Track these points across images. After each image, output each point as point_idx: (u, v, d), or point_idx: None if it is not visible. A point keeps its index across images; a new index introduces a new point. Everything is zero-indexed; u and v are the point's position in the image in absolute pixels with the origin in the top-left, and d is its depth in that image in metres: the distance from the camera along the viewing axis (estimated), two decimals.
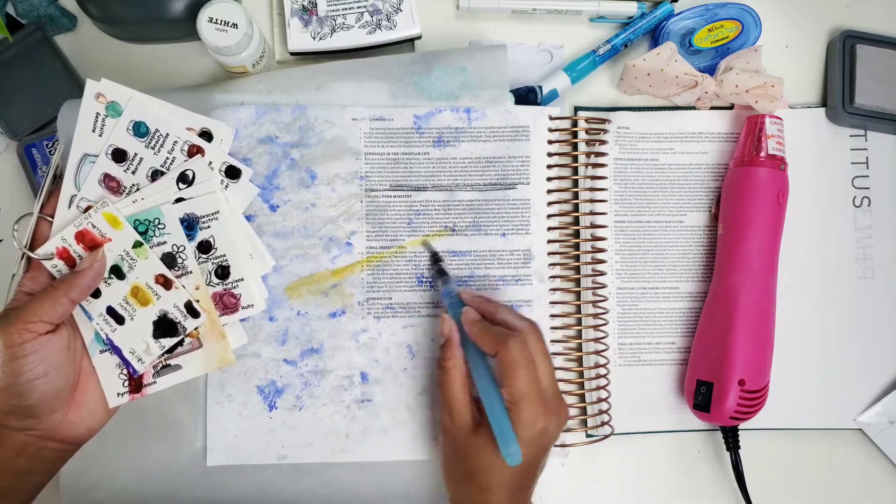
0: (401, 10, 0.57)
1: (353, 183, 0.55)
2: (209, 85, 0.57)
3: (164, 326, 0.48)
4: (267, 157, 0.54)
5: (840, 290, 0.61)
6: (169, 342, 0.48)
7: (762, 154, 0.57)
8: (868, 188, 0.61)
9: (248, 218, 0.54)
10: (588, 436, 0.57)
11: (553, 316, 0.56)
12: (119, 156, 0.49)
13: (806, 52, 0.63)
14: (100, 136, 0.49)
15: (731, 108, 0.61)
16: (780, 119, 0.58)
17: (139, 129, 0.49)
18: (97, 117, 0.49)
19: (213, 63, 0.60)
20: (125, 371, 0.48)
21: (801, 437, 0.60)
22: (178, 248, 0.49)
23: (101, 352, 0.48)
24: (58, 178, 0.49)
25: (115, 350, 0.48)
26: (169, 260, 0.49)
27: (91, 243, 0.47)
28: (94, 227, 0.47)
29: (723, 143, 0.61)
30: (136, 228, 0.48)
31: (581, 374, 0.57)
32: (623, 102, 0.62)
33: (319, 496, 0.54)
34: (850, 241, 0.61)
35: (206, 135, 0.50)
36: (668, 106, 0.61)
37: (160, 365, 0.49)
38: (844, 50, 0.61)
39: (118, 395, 0.48)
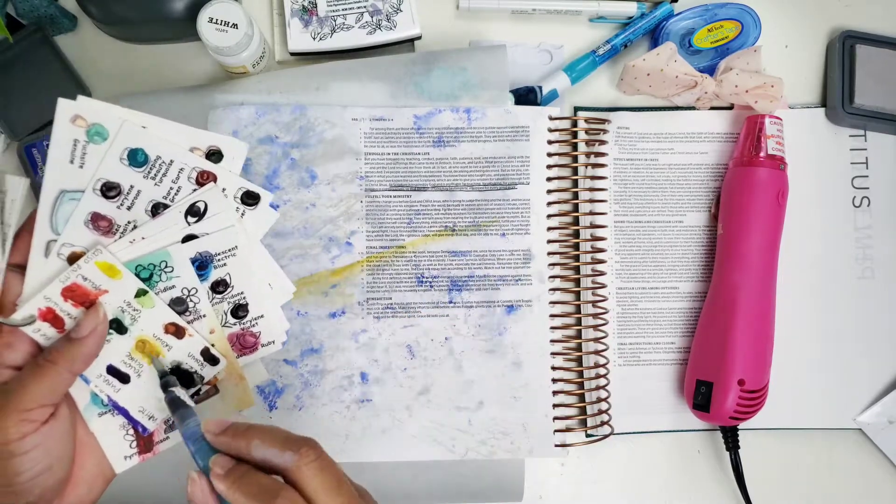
0: (401, 11, 0.57)
1: (353, 183, 0.55)
2: (209, 85, 0.57)
3: (180, 377, 0.42)
4: (267, 157, 0.54)
5: (840, 290, 0.61)
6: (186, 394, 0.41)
7: (762, 154, 0.57)
8: (868, 188, 0.61)
9: None
10: (588, 436, 0.57)
11: (553, 316, 0.56)
12: (110, 191, 0.41)
13: (805, 53, 0.63)
14: (80, 167, 0.40)
15: (730, 108, 0.61)
16: (780, 119, 0.58)
17: (136, 158, 0.41)
18: (75, 145, 0.40)
19: (213, 63, 0.60)
20: (131, 431, 0.42)
21: (801, 437, 0.60)
22: (188, 292, 0.42)
23: (101, 414, 0.41)
24: (3, 228, 0.41)
25: (121, 411, 0.41)
26: (179, 305, 0.42)
27: (83, 299, 0.39)
28: (86, 279, 0.39)
29: (722, 143, 0.61)
30: (138, 275, 0.41)
31: (581, 374, 0.57)
32: (623, 102, 0.62)
33: None
34: (850, 241, 0.61)
35: (216, 154, 0.43)
36: (668, 106, 0.61)
37: (171, 419, 0.42)
38: (844, 50, 0.61)
39: (125, 458, 0.42)
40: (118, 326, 0.40)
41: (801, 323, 0.60)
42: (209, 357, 0.42)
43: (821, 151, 0.62)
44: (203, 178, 0.43)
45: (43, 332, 0.39)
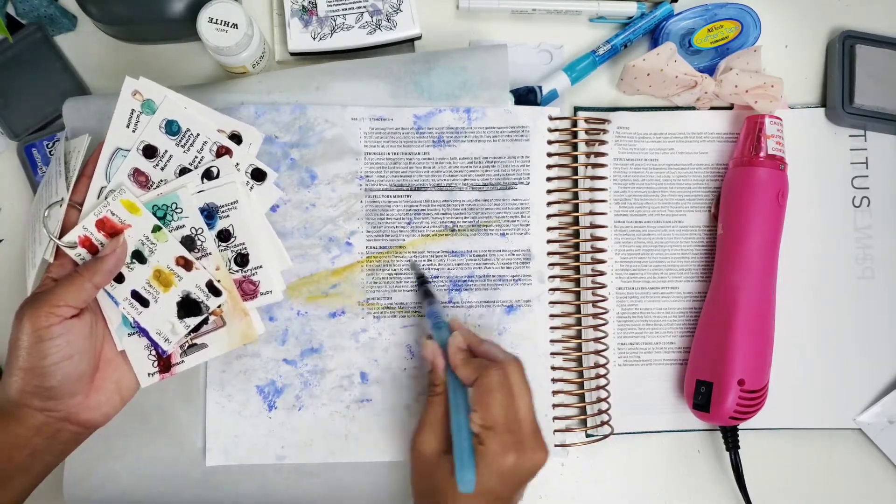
0: (401, 11, 0.57)
1: (353, 183, 0.55)
2: (209, 85, 0.57)
3: (188, 306, 0.49)
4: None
5: (840, 290, 0.61)
6: (193, 321, 0.49)
7: (762, 154, 0.57)
8: (868, 188, 0.61)
9: None
10: (588, 436, 0.57)
11: (553, 316, 0.56)
12: (150, 152, 0.50)
13: (805, 53, 0.63)
14: (133, 131, 0.50)
15: (730, 108, 0.61)
16: (780, 119, 0.58)
17: (171, 128, 0.50)
18: (132, 113, 0.50)
19: (213, 63, 0.60)
20: (154, 352, 0.49)
21: (801, 436, 0.60)
22: (196, 231, 0.49)
23: (130, 335, 0.49)
24: (69, 173, 0.50)
25: (143, 332, 0.49)
26: (188, 243, 0.49)
27: (111, 230, 0.48)
28: (114, 214, 0.48)
29: (722, 143, 0.61)
30: (154, 213, 0.49)
31: (581, 374, 0.57)
32: (623, 102, 0.62)
33: (319, 496, 0.54)
34: (850, 241, 0.61)
35: (236, 137, 0.51)
36: (668, 106, 0.61)
37: (187, 344, 0.50)
38: (844, 50, 0.61)
39: (149, 375, 0.49)
40: (139, 257, 0.49)
41: (801, 323, 0.60)
42: (213, 289, 0.49)
43: (821, 151, 0.62)
44: (221, 151, 0.51)
45: (81, 256, 0.48)
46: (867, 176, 0.62)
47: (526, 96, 0.58)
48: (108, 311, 0.49)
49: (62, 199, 0.48)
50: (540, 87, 0.58)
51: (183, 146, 0.50)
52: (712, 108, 0.61)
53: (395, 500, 0.55)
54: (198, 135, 0.50)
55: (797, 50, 0.63)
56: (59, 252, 0.48)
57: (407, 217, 0.56)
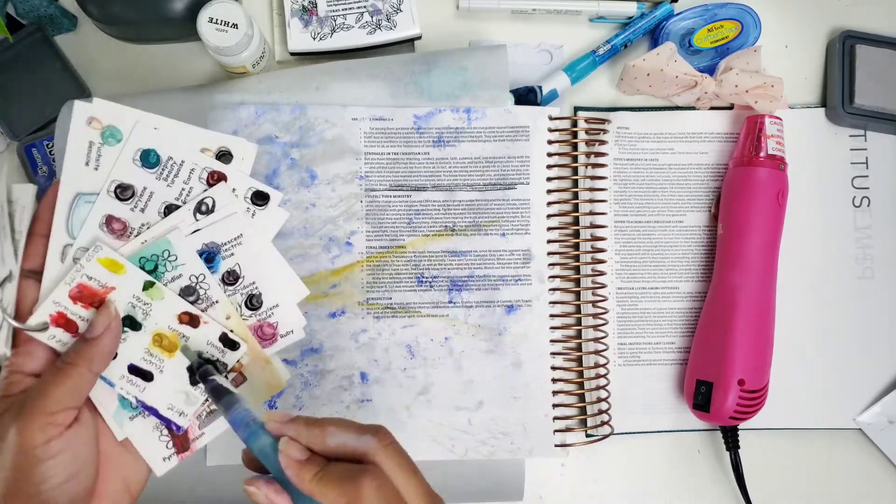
0: (401, 11, 0.57)
1: (353, 183, 0.55)
2: (209, 85, 0.57)
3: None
4: (267, 157, 0.54)
5: (840, 290, 0.61)
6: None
7: (762, 154, 0.57)
8: (868, 188, 0.61)
9: None
10: (588, 436, 0.57)
11: (553, 316, 0.56)
12: (124, 192, 0.41)
13: (806, 52, 0.63)
14: (95, 169, 0.41)
15: (730, 108, 0.61)
16: (780, 119, 0.58)
17: (148, 159, 0.41)
18: (91, 147, 0.41)
19: (213, 63, 0.60)
20: (165, 431, 0.41)
21: (801, 436, 0.60)
22: (197, 279, 0.41)
23: (132, 418, 0.41)
24: (15, 234, 0.39)
25: (150, 411, 0.41)
26: (189, 294, 0.41)
27: (92, 298, 0.39)
28: (91, 278, 0.39)
29: (722, 143, 0.61)
30: (142, 267, 0.40)
31: (581, 374, 0.57)
32: (623, 102, 0.62)
33: None
34: (850, 241, 0.61)
35: (226, 155, 0.44)
36: (668, 106, 0.61)
37: (203, 413, 0.42)
38: (844, 50, 0.61)
39: (164, 459, 0.41)
40: (132, 323, 0.40)
41: (801, 323, 0.60)
42: (228, 342, 0.41)
43: (821, 151, 0.62)
44: (213, 178, 0.43)
45: (58, 338, 0.38)
46: (867, 176, 0.62)
47: (526, 96, 0.58)
48: (100, 396, 0.40)
49: (10, 273, 0.38)
50: (540, 87, 0.58)
51: (165, 179, 0.41)
52: (712, 108, 0.61)
53: None
54: (182, 162, 0.42)
55: (797, 50, 0.63)
56: (22, 338, 0.38)
57: (407, 217, 0.56)
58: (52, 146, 0.58)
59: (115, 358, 0.40)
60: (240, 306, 0.43)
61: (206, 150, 0.43)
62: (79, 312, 0.39)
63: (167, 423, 0.41)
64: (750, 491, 0.58)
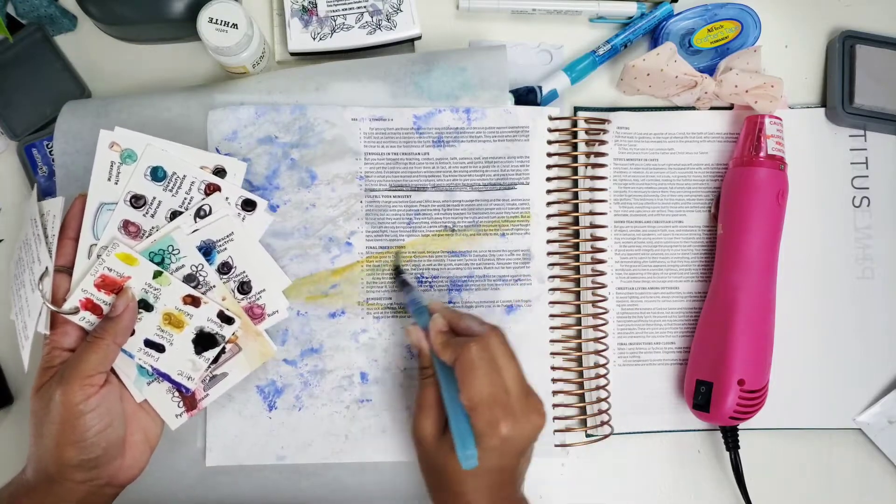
0: (401, 11, 0.57)
1: (353, 183, 0.55)
2: (209, 85, 0.57)
3: (204, 340, 0.49)
4: (267, 157, 0.54)
5: (840, 290, 0.61)
6: (212, 353, 0.49)
7: (762, 154, 0.57)
8: (868, 188, 0.61)
9: None
10: (588, 436, 0.57)
11: (553, 316, 0.56)
12: (138, 201, 0.50)
13: (806, 52, 0.63)
14: (115, 184, 0.49)
15: (730, 108, 0.61)
16: (780, 119, 0.58)
17: (157, 174, 0.50)
18: (112, 166, 0.49)
19: (213, 63, 0.60)
20: (177, 393, 0.49)
21: (801, 436, 0.60)
22: (197, 268, 0.50)
23: (149, 383, 0.49)
24: (48, 238, 0.48)
25: (164, 377, 0.49)
26: (191, 280, 0.49)
27: (113, 287, 0.48)
28: (111, 270, 0.48)
29: (722, 143, 0.61)
30: (152, 260, 0.49)
31: (581, 374, 0.57)
32: (623, 102, 0.62)
33: (319, 496, 0.54)
34: (850, 241, 0.61)
35: (220, 171, 0.51)
36: (668, 106, 0.61)
37: (207, 378, 0.50)
38: (844, 50, 0.61)
39: (176, 416, 0.50)
40: (145, 305, 0.49)
41: (801, 323, 0.60)
42: (225, 318, 0.50)
43: (821, 151, 0.62)
44: (210, 189, 0.51)
45: (87, 320, 0.47)
46: (867, 176, 0.62)
47: (526, 96, 0.58)
48: (122, 366, 0.48)
49: (46, 269, 0.47)
50: (540, 87, 0.58)
51: (171, 190, 0.50)
52: (712, 108, 0.61)
53: (395, 500, 0.55)
54: (184, 176, 0.50)
55: (797, 50, 0.63)
56: (58, 319, 0.47)
57: (407, 217, 0.56)
58: (52, 146, 0.58)
59: (133, 334, 0.48)
60: (233, 291, 0.51)
61: (205, 167, 0.51)
62: (103, 298, 0.48)
63: (178, 386, 0.49)
64: (750, 491, 0.58)
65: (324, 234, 0.55)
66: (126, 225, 0.49)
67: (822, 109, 0.62)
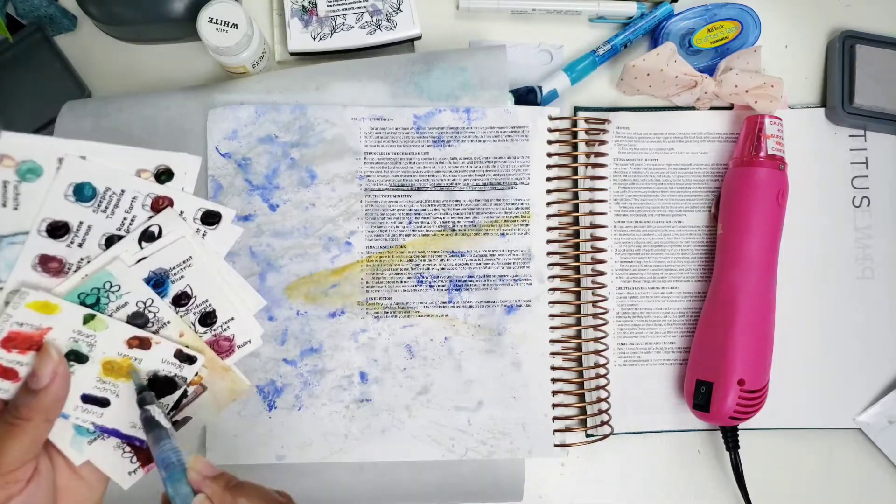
0: (401, 11, 0.57)
1: (353, 182, 0.55)
2: (209, 85, 0.57)
3: (161, 385, 0.41)
4: (267, 157, 0.54)
5: (840, 290, 0.61)
6: (172, 399, 0.41)
7: (762, 154, 0.57)
8: (868, 188, 0.61)
9: (247, 218, 0.54)
10: (588, 436, 0.57)
11: (552, 316, 0.56)
12: (58, 230, 0.38)
13: (805, 53, 0.63)
14: (14, 209, 0.37)
15: (730, 108, 0.61)
16: (780, 119, 0.58)
17: (83, 193, 0.38)
18: (5, 187, 0.37)
19: (213, 63, 0.60)
20: (127, 448, 0.41)
21: (801, 436, 0.60)
22: (145, 303, 0.40)
23: (90, 442, 0.40)
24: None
25: (112, 433, 0.40)
26: (137, 318, 0.40)
27: (27, 344, 0.37)
28: (22, 324, 0.37)
29: (722, 143, 0.61)
30: (83, 303, 0.39)
31: (581, 374, 0.57)
32: (623, 102, 0.62)
33: (318, 496, 0.54)
34: (850, 241, 0.61)
35: (165, 173, 0.40)
36: (668, 106, 0.61)
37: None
38: (844, 50, 0.61)
39: (129, 473, 0.41)
40: (77, 357, 0.39)
41: (801, 323, 0.60)
42: (184, 357, 0.41)
43: (821, 151, 0.62)
44: (159, 204, 0.40)
45: (1, 388, 0.37)
46: (867, 176, 0.62)
47: (526, 96, 0.58)
48: (55, 429, 0.38)
49: None
50: (540, 87, 0.58)
51: (104, 210, 0.39)
52: (712, 108, 0.61)
53: (395, 500, 0.55)
54: (122, 192, 0.39)
55: (797, 50, 0.63)
56: None
57: (407, 217, 0.56)
58: None
59: None
60: (193, 324, 0.42)
61: (143, 170, 0.40)
62: (17, 359, 0.37)
63: (130, 440, 0.40)
64: (750, 491, 0.58)
65: (323, 234, 0.55)
66: (44, 261, 0.38)
67: (822, 109, 0.62)
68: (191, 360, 0.41)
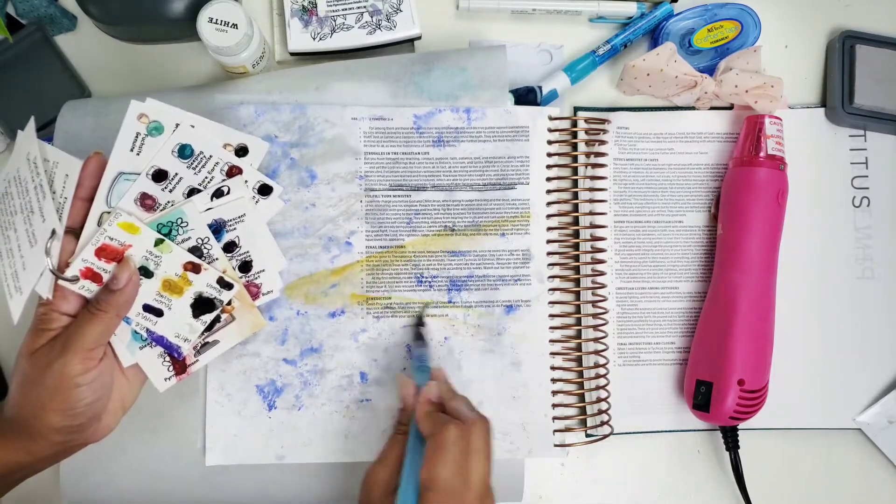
0: (401, 11, 0.57)
1: (353, 182, 0.55)
2: (209, 85, 0.57)
3: (202, 304, 0.49)
4: (267, 157, 0.54)
5: (839, 290, 0.61)
6: (209, 317, 0.49)
7: (762, 154, 0.57)
8: (867, 188, 0.61)
9: None
10: (587, 436, 0.57)
11: (552, 316, 0.56)
12: (160, 176, 0.49)
13: (805, 52, 0.63)
14: (137, 154, 0.48)
15: (730, 108, 0.61)
16: (780, 119, 0.58)
17: (184, 152, 0.49)
18: (137, 137, 0.48)
19: (213, 63, 0.60)
20: (168, 357, 0.49)
21: (801, 436, 0.60)
22: (203, 241, 0.49)
23: (141, 347, 0.49)
24: (58, 198, 0.47)
25: (158, 340, 0.49)
26: (195, 251, 0.49)
27: (113, 255, 0.47)
28: (112, 239, 0.47)
29: (722, 143, 0.61)
30: (159, 231, 0.48)
31: (580, 374, 0.57)
32: (623, 102, 0.62)
33: (318, 496, 0.54)
34: (850, 241, 0.61)
35: (243, 150, 0.51)
36: (668, 106, 0.61)
37: (199, 344, 0.50)
38: (844, 50, 0.61)
39: (165, 380, 0.50)
40: (145, 272, 0.48)
41: (801, 323, 0.60)
42: (224, 284, 0.50)
43: (821, 151, 0.62)
44: (233, 172, 0.50)
45: (87, 288, 0.46)
46: (867, 176, 0.62)
47: (526, 96, 0.58)
48: (117, 331, 0.47)
49: (53, 231, 0.45)
50: (540, 87, 0.58)
51: (194, 168, 0.49)
52: (712, 108, 0.61)
53: None
54: (210, 157, 0.50)
55: (797, 50, 0.63)
56: (59, 283, 0.46)
57: (407, 217, 0.56)
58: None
59: None
60: (235, 269, 0.51)
61: (228, 144, 0.51)
62: (103, 266, 0.47)
63: (172, 349, 0.49)
64: (750, 491, 0.58)
65: (323, 234, 0.55)
66: (143, 198, 0.48)
67: (822, 109, 0.62)
68: (229, 286, 0.50)
